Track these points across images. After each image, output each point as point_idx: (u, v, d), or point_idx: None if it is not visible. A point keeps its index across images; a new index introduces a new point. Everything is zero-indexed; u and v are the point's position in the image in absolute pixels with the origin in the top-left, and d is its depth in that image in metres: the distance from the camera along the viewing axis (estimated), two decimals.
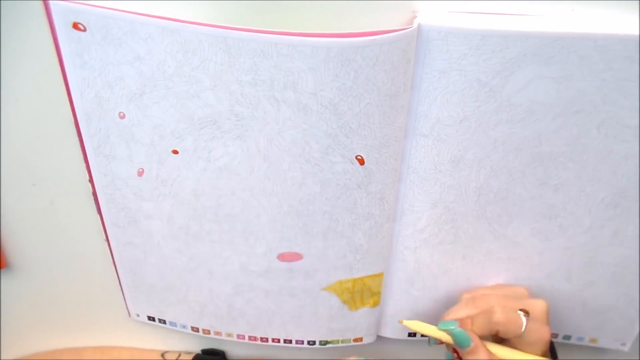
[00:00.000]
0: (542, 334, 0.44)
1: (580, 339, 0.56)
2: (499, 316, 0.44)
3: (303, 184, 0.44)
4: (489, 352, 0.44)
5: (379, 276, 0.51)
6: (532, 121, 0.42)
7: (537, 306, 0.45)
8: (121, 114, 0.42)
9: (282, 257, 0.49)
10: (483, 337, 0.45)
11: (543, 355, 0.45)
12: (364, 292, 0.52)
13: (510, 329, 0.44)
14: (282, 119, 0.41)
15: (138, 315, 0.56)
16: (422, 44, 0.39)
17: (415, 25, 0.38)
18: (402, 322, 0.47)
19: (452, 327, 0.45)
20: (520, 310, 0.44)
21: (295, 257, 0.49)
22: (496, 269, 0.51)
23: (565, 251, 0.50)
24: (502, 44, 0.39)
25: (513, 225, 0.48)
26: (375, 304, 0.53)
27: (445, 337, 0.45)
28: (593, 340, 0.56)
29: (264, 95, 0.40)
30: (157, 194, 0.46)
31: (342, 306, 0.53)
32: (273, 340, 0.56)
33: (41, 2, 0.38)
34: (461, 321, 0.46)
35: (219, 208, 0.46)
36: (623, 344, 0.57)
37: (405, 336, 0.56)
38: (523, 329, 0.43)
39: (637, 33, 0.39)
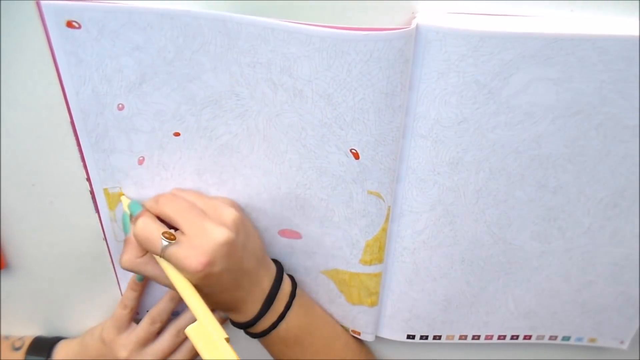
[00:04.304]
0: (188, 263, 0.41)
1: (580, 339, 0.56)
2: (136, 229, 0.42)
3: (300, 168, 0.45)
4: (132, 252, 0.44)
5: (377, 276, 0.51)
6: (531, 123, 0.42)
7: (210, 235, 0.41)
8: (120, 106, 0.43)
9: (282, 233, 0.50)
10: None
11: (199, 283, 0.42)
12: (361, 289, 0.52)
13: (148, 247, 0.42)
14: (279, 102, 0.42)
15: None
16: (420, 44, 0.39)
17: (413, 25, 0.38)
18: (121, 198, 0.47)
19: (125, 212, 0.46)
20: (164, 233, 0.41)
21: (295, 235, 0.50)
22: (496, 272, 0.51)
23: (565, 253, 0.50)
24: (500, 45, 0.38)
25: (512, 229, 0.48)
26: (374, 303, 0.53)
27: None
28: (592, 340, 0.56)
29: (262, 78, 0.41)
30: (158, 180, 0.47)
31: (340, 294, 0.53)
32: None
33: (34, 3, 0.38)
34: (142, 211, 0.45)
35: (222, 184, 0.47)
36: (622, 342, 0.57)
37: (404, 338, 0.56)
38: (160, 252, 0.41)
39: (636, 34, 0.38)
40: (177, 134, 0.44)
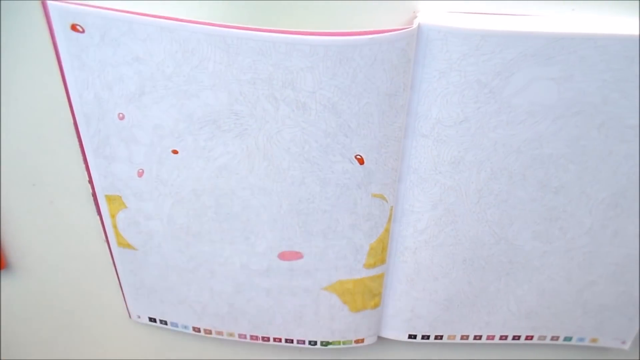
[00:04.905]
0: None
1: (581, 339, 0.56)
2: None
3: (303, 183, 0.44)
4: None
5: (380, 277, 0.51)
6: (533, 123, 0.42)
7: None
8: (120, 115, 0.42)
9: (282, 256, 0.49)
10: None
11: None
12: (365, 294, 0.52)
13: None
14: (281, 117, 0.41)
15: (139, 317, 0.56)
16: (422, 44, 0.39)
17: (415, 25, 0.38)
18: None
19: None
20: None
21: (296, 255, 0.49)
22: (497, 272, 0.51)
23: (566, 252, 0.50)
24: (501, 44, 0.38)
25: (514, 228, 0.48)
26: (376, 305, 0.53)
27: None
28: (594, 340, 0.56)
29: (263, 94, 0.40)
30: (157, 195, 0.46)
31: (343, 306, 0.53)
32: (274, 339, 0.56)
33: (39, 3, 0.38)
34: None
35: (219, 207, 0.47)
36: (623, 342, 0.57)
37: (405, 337, 0.56)
38: None
39: (637, 33, 0.38)
40: (175, 152, 0.44)
